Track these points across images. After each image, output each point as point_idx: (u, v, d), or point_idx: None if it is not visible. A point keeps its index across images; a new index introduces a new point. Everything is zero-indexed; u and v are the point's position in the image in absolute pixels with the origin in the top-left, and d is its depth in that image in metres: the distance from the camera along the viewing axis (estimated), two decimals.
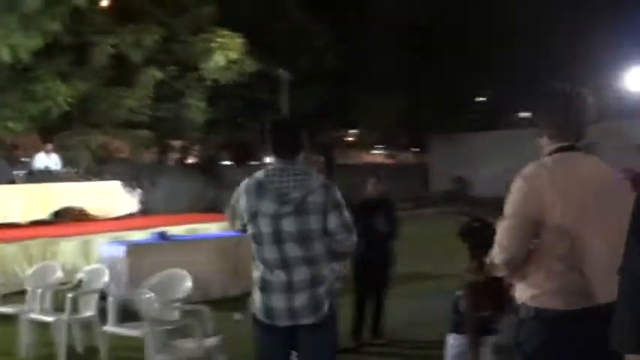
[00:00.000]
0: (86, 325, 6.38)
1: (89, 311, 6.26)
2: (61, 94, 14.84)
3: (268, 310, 3.48)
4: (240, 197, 3.58)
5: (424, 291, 9.19)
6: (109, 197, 14.14)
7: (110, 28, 15.83)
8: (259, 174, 3.57)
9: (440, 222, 20.02)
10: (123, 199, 14.54)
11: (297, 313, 3.45)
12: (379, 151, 37.03)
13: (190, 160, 24.34)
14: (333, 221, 3.51)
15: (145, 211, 15.52)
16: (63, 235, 10.79)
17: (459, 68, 25.19)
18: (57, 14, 13.57)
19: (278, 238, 3.46)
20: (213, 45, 15.61)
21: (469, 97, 28.73)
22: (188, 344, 4.95)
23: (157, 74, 16.17)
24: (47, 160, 14.27)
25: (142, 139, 17.45)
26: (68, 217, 13.29)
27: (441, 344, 6.75)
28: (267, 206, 3.46)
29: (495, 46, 25.19)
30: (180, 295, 5.54)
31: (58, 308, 6.49)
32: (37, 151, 14.76)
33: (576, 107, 2.91)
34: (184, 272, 5.73)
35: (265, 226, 3.47)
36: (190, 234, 10.89)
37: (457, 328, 3.77)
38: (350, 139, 32.86)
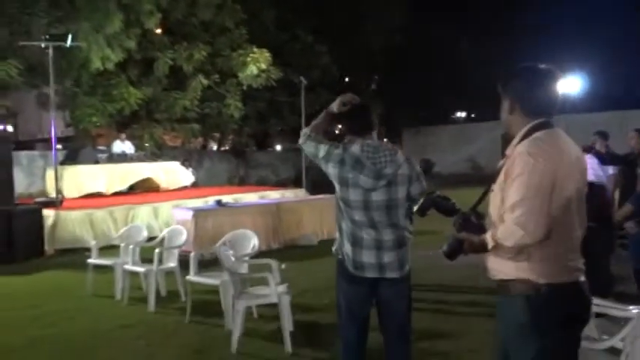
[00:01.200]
0: (169, 274, 5.85)
1: (171, 263, 5.70)
2: (132, 97, 14.18)
3: (359, 263, 2.89)
4: (330, 162, 2.92)
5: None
6: (170, 174, 13.54)
7: (169, 46, 15.12)
8: (355, 149, 2.89)
9: None
10: (180, 175, 13.96)
11: (385, 267, 2.88)
12: None
13: (226, 147, 23.66)
14: (416, 189, 2.94)
15: (195, 184, 14.96)
16: (139, 203, 10.21)
17: (422, 80, 25.02)
18: (132, 35, 12.88)
19: (366, 206, 2.87)
20: (248, 59, 14.92)
21: (427, 101, 28.11)
22: (263, 291, 4.39)
23: (204, 81, 15.49)
24: (122, 145, 13.64)
25: (193, 130, 16.81)
26: (141, 188, 12.74)
27: (438, 286, 6.34)
28: (365, 181, 2.85)
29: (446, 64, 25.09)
30: (249, 250, 4.97)
31: (144, 260, 5.98)
32: (114, 139, 14.16)
33: (553, 84, 2.17)
34: (251, 232, 5.16)
35: (356, 195, 2.87)
36: (237, 202, 10.27)
37: None
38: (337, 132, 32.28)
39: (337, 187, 2.95)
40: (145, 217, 9.74)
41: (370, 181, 2.83)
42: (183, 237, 5.76)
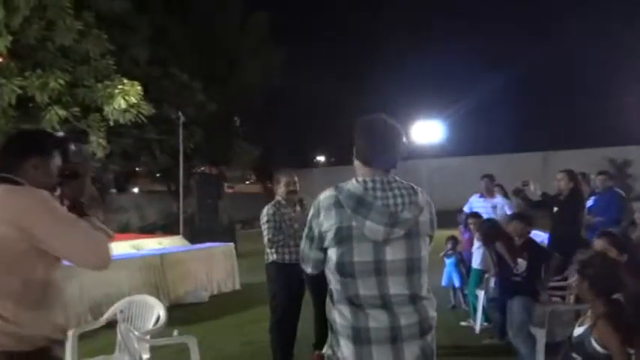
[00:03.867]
0: None
1: None
2: None
3: None
4: (322, 214, 2.02)
5: None
6: None
7: (16, 72, 12.93)
8: (351, 186, 2.03)
9: None
10: None
11: None
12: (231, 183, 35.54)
13: None
14: (430, 245, 2.13)
15: None
16: None
17: (298, 123, 25.29)
18: None
19: (378, 270, 1.96)
20: (115, 91, 13.27)
21: (295, 144, 28.19)
22: None
23: (61, 112, 13.40)
24: None
25: None
26: None
27: None
28: (373, 229, 1.94)
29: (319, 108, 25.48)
30: (152, 323, 3.75)
31: None
32: None
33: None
34: (153, 299, 3.95)
35: (362, 254, 1.96)
36: None
37: None
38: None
39: (333, 250, 2.01)
40: None
41: (381, 230, 1.95)
42: None
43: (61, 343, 2.00)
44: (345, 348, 1.97)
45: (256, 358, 4.96)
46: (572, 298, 4.58)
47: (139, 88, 13.50)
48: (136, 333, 3.37)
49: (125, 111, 13.40)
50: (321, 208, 2.04)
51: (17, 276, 1.83)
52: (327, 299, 2.09)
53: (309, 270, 2.19)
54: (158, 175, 22.23)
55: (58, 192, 2.11)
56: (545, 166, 19.85)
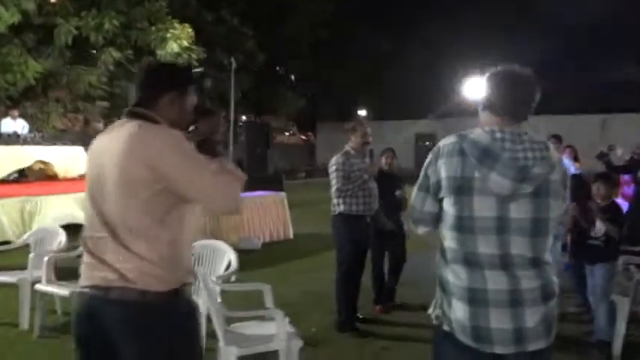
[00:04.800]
0: None
1: None
2: (30, 70, 11.89)
3: (483, 332, 1.76)
4: (441, 160, 1.84)
5: None
6: (71, 160, 11.45)
7: (73, 12, 12.95)
8: (476, 134, 1.83)
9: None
10: (83, 161, 11.91)
11: (526, 335, 1.77)
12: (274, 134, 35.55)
13: None
14: (561, 208, 1.89)
15: None
16: (46, 193, 8.37)
17: (342, 76, 24.71)
18: None
19: (501, 228, 1.77)
20: (168, 34, 13.16)
21: (345, 97, 27.75)
22: (254, 329, 3.13)
23: (116, 54, 13.46)
24: (14, 124, 11.39)
25: (99, 109, 14.69)
26: (34, 175, 10.57)
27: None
28: (498, 182, 1.75)
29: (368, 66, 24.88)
30: (223, 269, 3.69)
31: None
32: (1, 117, 11.87)
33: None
34: (223, 244, 3.87)
35: (484, 208, 1.77)
36: None
37: None
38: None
39: (450, 202, 1.83)
40: (61, 209, 8.00)
41: (507, 184, 1.75)
42: None
43: (190, 286, 1.92)
44: (459, 310, 1.79)
45: (317, 307, 4.91)
46: None
47: (190, 30, 13.37)
48: (213, 278, 3.31)
49: (178, 55, 13.36)
50: (442, 155, 1.84)
51: (153, 216, 1.74)
52: (438, 258, 1.92)
53: (420, 229, 2.01)
54: None
55: (191, 128, 1.96)
56: (603, 130, 18.92)
